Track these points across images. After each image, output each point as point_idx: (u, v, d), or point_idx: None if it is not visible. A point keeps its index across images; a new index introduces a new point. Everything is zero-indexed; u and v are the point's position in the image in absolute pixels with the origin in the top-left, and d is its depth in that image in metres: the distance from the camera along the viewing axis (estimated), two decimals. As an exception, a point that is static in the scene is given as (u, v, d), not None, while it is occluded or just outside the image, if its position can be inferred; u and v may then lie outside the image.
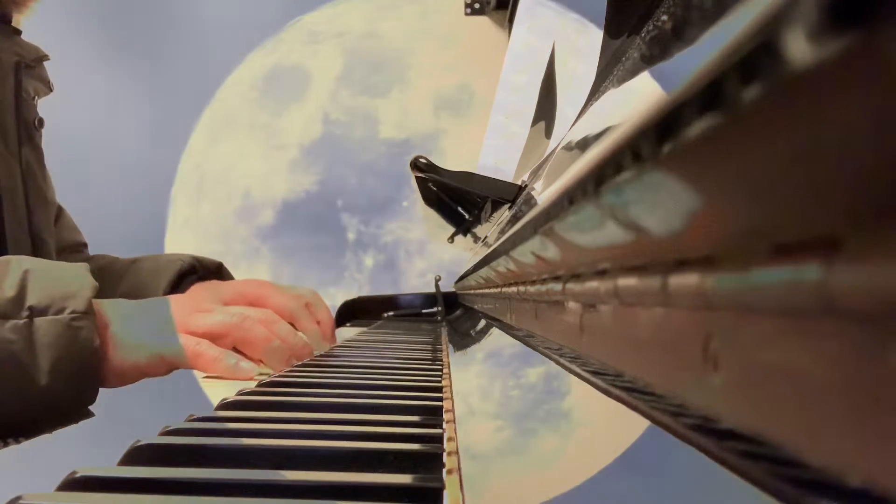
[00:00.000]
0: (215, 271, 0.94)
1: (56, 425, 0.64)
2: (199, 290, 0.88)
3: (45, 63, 0.90)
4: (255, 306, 0.88)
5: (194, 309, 0.69)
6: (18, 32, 0.87)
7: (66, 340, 0.60)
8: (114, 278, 0.93)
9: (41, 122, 0.89)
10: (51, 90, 0.91)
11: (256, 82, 2.13)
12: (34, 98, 0.88)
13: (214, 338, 0.66)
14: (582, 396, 0.34)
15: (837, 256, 0.12)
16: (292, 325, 0.93)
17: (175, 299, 0.70)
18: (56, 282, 0.62)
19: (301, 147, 2.06)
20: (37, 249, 0.88)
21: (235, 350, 0.68)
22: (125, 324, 0.65)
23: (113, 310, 0.65)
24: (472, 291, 1.14)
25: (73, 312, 0.60)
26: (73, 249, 1.01)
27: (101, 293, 0.89)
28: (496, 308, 0.77)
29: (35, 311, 0.59)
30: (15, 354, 0.58)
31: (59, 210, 1.00)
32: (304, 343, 0.71)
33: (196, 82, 2.13)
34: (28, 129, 0.86)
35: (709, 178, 0.16)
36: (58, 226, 0.96)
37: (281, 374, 0.62)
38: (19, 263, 0.62)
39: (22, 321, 0.59)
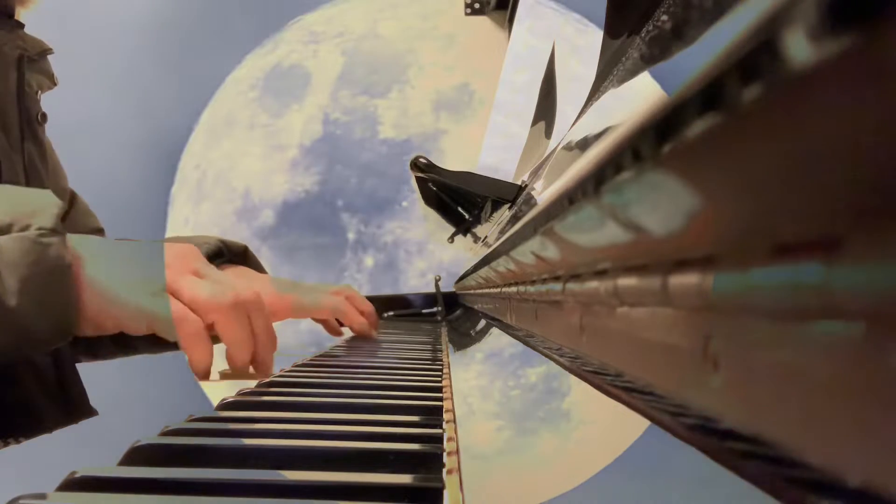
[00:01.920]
0: (241, 254, 0.91)
1: (35, 349, 0.58)
2: (233, 274, 0.87)
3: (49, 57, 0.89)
4: (275, 315, 0.87)
5: (189, 268, 0.61)
6: (21, 26, 0.85)
7: (33, 257, 0.55)
8: None
9: (44, 116, 0.87)
10: (55, 84, 0.89)
11: (256, 82, 2.13)
12: (37, 92, 0.87)
13: (194, 309, 0.59)
14: (582, 396, 0.34)
15: (837, 256, 0.12)
16: (339, 321, 0.93)
17: (172, 249, 0.62)
18: (19, 200, 0.57)
19: (301, 147, 2.06)
20: None
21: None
22: (102, 265, 0.58)
23: (84, 246, 0.59)
24: (472, 291, 1.14)
25: (39, 229, 0.55)
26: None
27: None
28: (496, 308, 0.77)
29: None
30: None
31: (73, 196, 0.96)
32: (269, 345, 0.63)
33: (196, 82, 2.13)
34: (31, 123, 0.85)
35: (709, 178, 0.16)
36: (72, 211, 0.93)
37: (281, 374, 0.62)
38: None
39: None
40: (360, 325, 0.93)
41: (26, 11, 0.86)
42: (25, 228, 0.55)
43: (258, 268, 0.93)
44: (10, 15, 0.84)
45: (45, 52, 0.87)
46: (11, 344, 0.56)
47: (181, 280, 0.60)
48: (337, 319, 0.95)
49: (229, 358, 0.62)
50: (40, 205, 0.57)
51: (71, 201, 0.94)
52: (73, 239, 0.58)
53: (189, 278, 0.60)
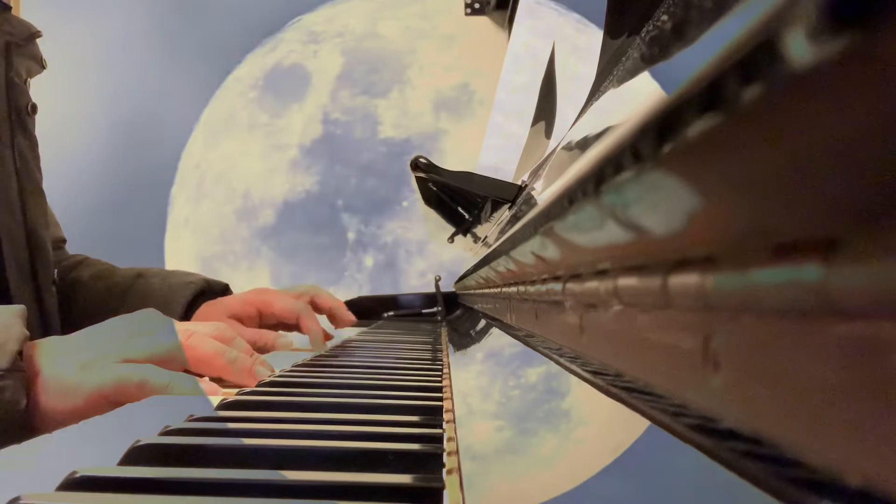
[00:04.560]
0: (221, 293, 0.97)
1: None
2: (207, 308, 0.90)
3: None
4: (261, 312, 0.90)
5: (132, 332, 0.62)
6: (8, 8, 0.82)
7: None
8: (116, 292, 0.92)
9: (34, 107, 0.85)
10: (43, 67, 0.86)
11: (256, 82, 2.13)
12: (26, 81, 0.84)
13: (160, 363, 0.59)
14: (582, 396, 0.34)
15: (837, 256, 0.12)
16: (298, 326, 0.95)
17: (110, 324, 0.63)
18: None
19: (301, 147, 2.06)
20: (31, 242, 0.85)
21: (188, 372, 0.62)
22: (56, 366, 0.58)
23: (47, 352, 0.59)
24: (472, 291, 1.14)
25: None
26: (53, 246, 0.99)
27: (100, 307, 0.86)
28: (496, 308, 0.77)
29: None
30: None
31: None
32: (261, 361, 0.64)
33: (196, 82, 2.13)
34: (20, 115, 0.82)
35: (709, 178, 0.16)
36: None
37: (281, 374, 0.62)
38: None
39: None
40: (314, 335, 0.93)
41: None
42: None
43: None
44: None
45: (33, 35, 0.85)
46: None
47: (128, 345, 0.60)
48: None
49: (239, 381, 0.62)
50: (1, 340, 0.55)
51: None
52: (39, 346, 0.58)
53: (135, 339, 0.60)
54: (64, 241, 1.04)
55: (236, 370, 0.62)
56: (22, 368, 0.56)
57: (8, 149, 0.81)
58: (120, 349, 0.59)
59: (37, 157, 0.86)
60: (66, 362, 0.58)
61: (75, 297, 0.94)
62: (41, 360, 0.58)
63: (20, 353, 0.56)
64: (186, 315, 0.90)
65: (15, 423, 0.55)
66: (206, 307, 0.91)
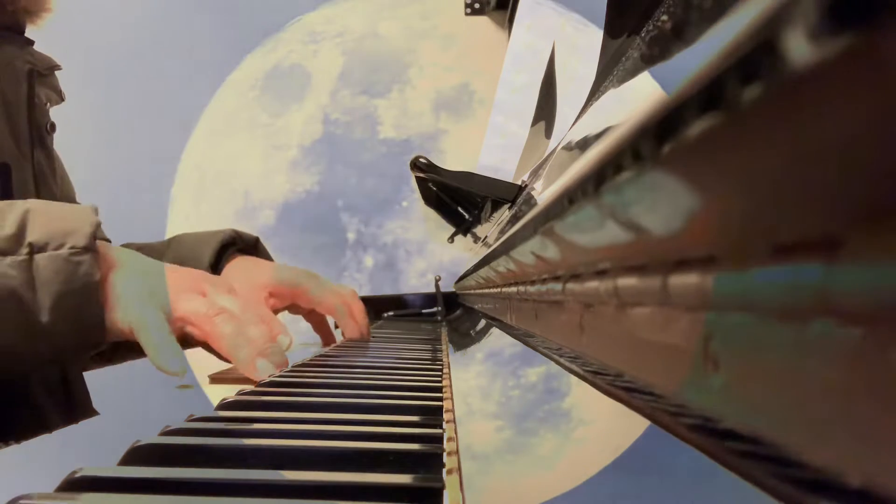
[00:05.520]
0: (253, 245, 0.97)
1: (66, 360, 0.65)
2: (245, 264, 0.91)
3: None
4: (294, 297, 0.91)
5: (186, 288, 0.67)
6: (31, 43, 0.88)
7: (65, 276, 0.59)
8: (154, 254, 0.94)
9: (53, 126, 0.90)
10: (62, 99, 0.92)
11: (256, 82, 2.13)
12: (46, 104, 0.89)
13: (187, 324, 0.65)
14: (582, 396, 0.34)
15: (837, 256, 0.12)
16: (320, 325, 0.95)
17: (172, 272, 0.68)
18: (57, 219, 0.61)
19: (301, 147, 2.06)
20: None
21: (205, 343, 0.66)
22: (126, 275, 0.63)
23: (124, 256, 0.64)
24: (472, 291, 1.14)
25: (72, 248, 0.60)
26: None
27: None
28: (496, 308, 0.77)
29: (35, 248, 0.59)
30: (15, 291, 0.58)
31: None
32: (279, 351, 0.67)
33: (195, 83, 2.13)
34: (40, 133, 0.87)
35: (709, 178, 0.16)
36: None
37: (281, 374, 0.62)
38: (24, 204, 0.62)
39: (21, 258, 0.59)
40: (353, 333, 0.94)
41: (36, 28, 0.89)
42: (60, 247, 0.60)
43: (267, 258, 0.98)
44: (21, 32, 0.87)
45: (53, 67, 0.90)
46: (45, 355, 0.61)
47: (178, 299, 0.65)
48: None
49: (242, 369, 0.65)
50: (76, 223, 0.61)
51: None
52: (113, 249, 0.65)
53: (182, 296, 0.65)
54: (107, 240, 1.05)
55: (241, 363, 0.64)
56: (96, 249, 0.61)
57: (28, 163, 0.85)
58: (164, 299, 0.64)
59: (54, 172, 0.90)
60: (128, 277, 0.63)
61: None
62: (115, 256, 0.64)
63: (94, 235, 0.61)
64: (217, 264, 0.91)
65: (91, 298, 0.60)
66: (246, 265, 0.92)
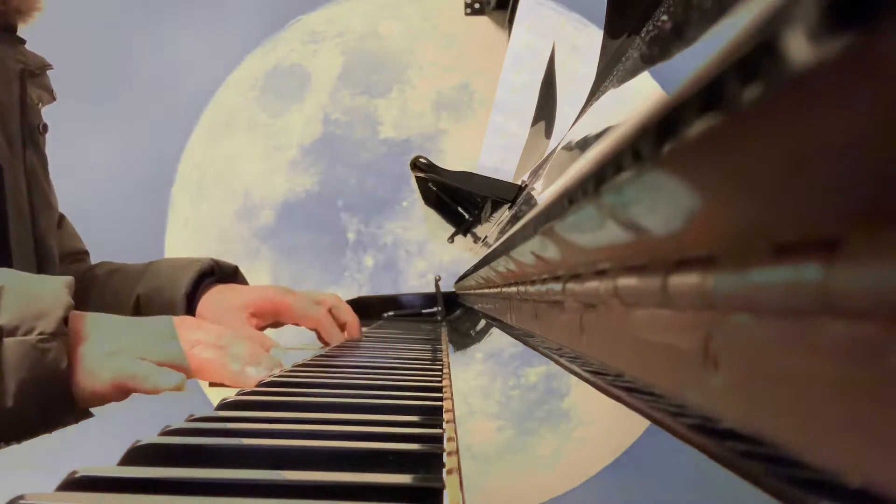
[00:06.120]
0: (231, 275, 0.97)
1: (34, 436, 0.65)
2: (223, 294, 0.91)
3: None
4: (276, 315, 0.91)
5: (156, 335, 0.66)
6: (23, 42, 0.88)
7: (31, 362, 0.58)
8: (129, 280, 0.94)
9: (45, 127, 0.90)
10: (54, 99, 0.92)
11: (256, 82, 2.13)
12: (38, 104, 0.89)
13: (170, 366, 0.63)
14: (582, 396, 0.34)
15: (837, 256, 0.12)
16: (318, 331, 0.95)
17: (142, 322, 0.68)
18: (30, 300, 0.60)
19: (301, 147, 2.06)
20: (40, 252, 0.89)
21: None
22: (90, 344, 0.62)
23: (89, 327, 0.63)
24: (472, 291, 1.14)
25: (41, 333, 0.59)
26: (74, 258, 1.02)
27: (115, 295, 0.91)
28: (496, 308, 0.77)
29: (4, 331, 0.58)
30: None
31: (61, 217, 1.00)
32: (270, 357, 0.67)
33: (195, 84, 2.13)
34: (32, 133, 0.87)
35: (709, 178, 0.16)
36: (59, 232, 0.97)
37: (281, 374, 0.62)
38: None
39: None
40: (336, 339, 0.94)
41: (26, 26, 0.89)
42: (29, 332, 0.59)
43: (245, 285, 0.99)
44: (13, 31, 0.87)
45: (44, 67, 0.91)
46: (11, 436, 0.59)
47: (153, 347, 0.64)
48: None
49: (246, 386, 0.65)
50: (48, 305, 0.60)
51: (59, 223, 0.98)
52: (87, 319, 0.63)
53: (157, 344, 0.65)
54: (86, 253, 1.06)
55: (230, 377, 0.64)
56: (65, 333, 0.60)
57: (20, 163, 0.85)
58: (141, 348, 0.64)
59: (46, 173, 0.90)
60: (97, 346, 0.62)
61: (91, 291, 0.95)
62: (84, 330, 0.63)
63: (65, 319, 0.60)
64: (194, 293, 0.90)
65: (57, 385, 0.59)
66: (222, 293, 0.92)
